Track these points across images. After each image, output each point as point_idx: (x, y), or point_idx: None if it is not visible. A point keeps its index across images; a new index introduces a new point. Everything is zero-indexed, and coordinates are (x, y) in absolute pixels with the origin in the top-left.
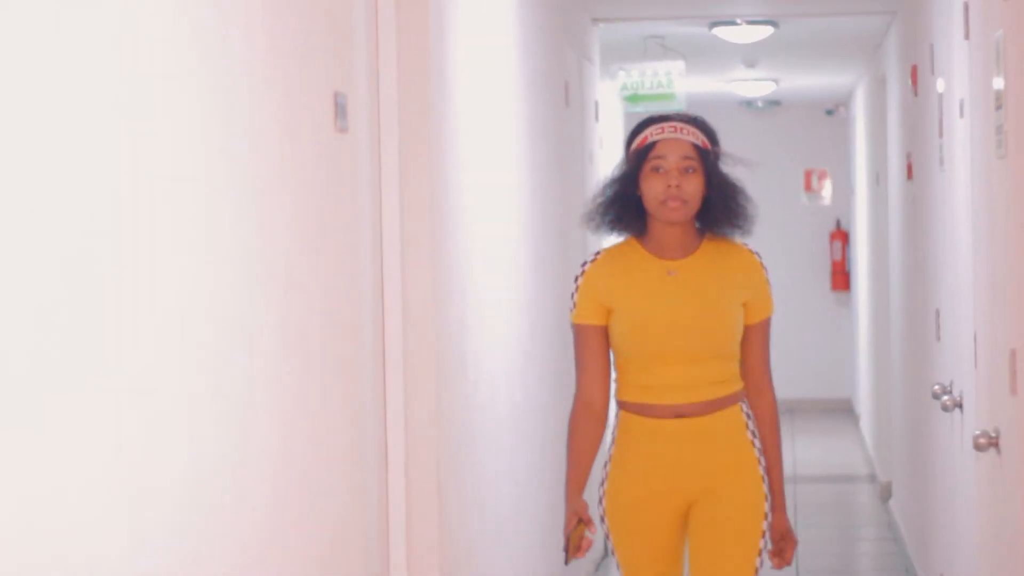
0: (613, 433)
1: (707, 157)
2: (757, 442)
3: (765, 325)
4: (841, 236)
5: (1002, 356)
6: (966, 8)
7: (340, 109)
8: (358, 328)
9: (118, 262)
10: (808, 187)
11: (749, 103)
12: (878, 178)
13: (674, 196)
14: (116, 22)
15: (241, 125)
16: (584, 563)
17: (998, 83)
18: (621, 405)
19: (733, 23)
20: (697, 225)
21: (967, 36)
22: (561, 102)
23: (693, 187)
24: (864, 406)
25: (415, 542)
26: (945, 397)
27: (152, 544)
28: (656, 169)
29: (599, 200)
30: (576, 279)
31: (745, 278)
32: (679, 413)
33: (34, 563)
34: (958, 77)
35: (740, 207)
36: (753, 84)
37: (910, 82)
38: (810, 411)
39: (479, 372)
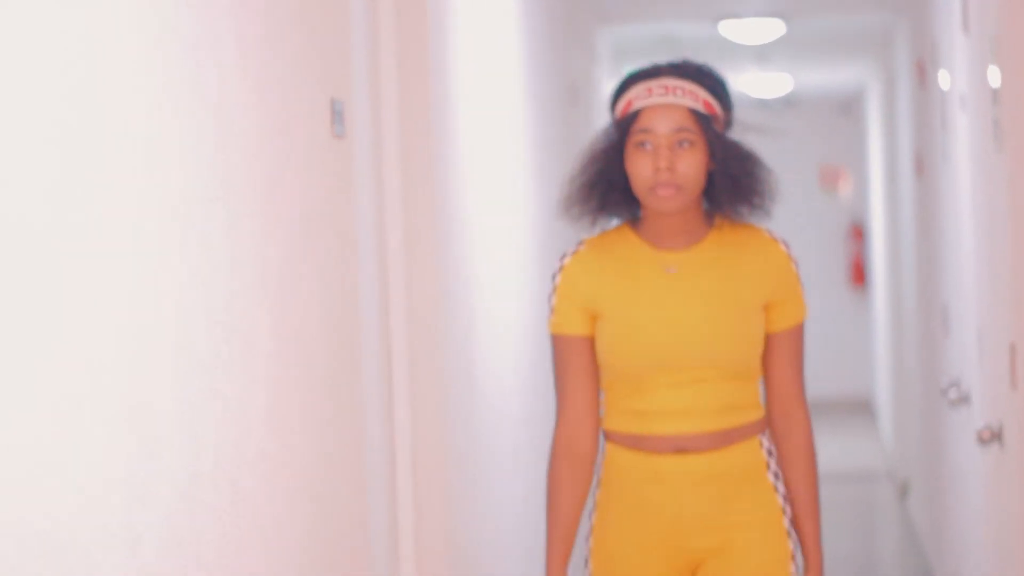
0: (598, 472)
1: (708, 125)
2: (781, 486)
3: (795, 334)
4: (857, 232)
5: (1003, 350)
6: (965, 3)
7: (337, 115)
8: (361, 332)
9: (115, 264)
10: (824, 185)
11: (764, 103)
12: (891, 173)
13: (664, 182)
14: (104, 31)
15: (235, 131)
16: None
17: (994, 77)
18: (608, 436)
19: (740, 17)
20: (705, 207)
21: (966, 31)
22: (568, 103)
23: (690, 166)
24: (882, 403)
25: (423, 546)
26: (953, 392)
27: (148, 545)
28: (641, 145)
29: (579, 182)
30: (554, 277)
31: (766, 273)
32: (680, 447)
33: (28, 560)
34: (959, 72)
35: (753, 180)
36: (767, 84)
37: (917, 77)
38: (829, 409)
39: (487, 371)
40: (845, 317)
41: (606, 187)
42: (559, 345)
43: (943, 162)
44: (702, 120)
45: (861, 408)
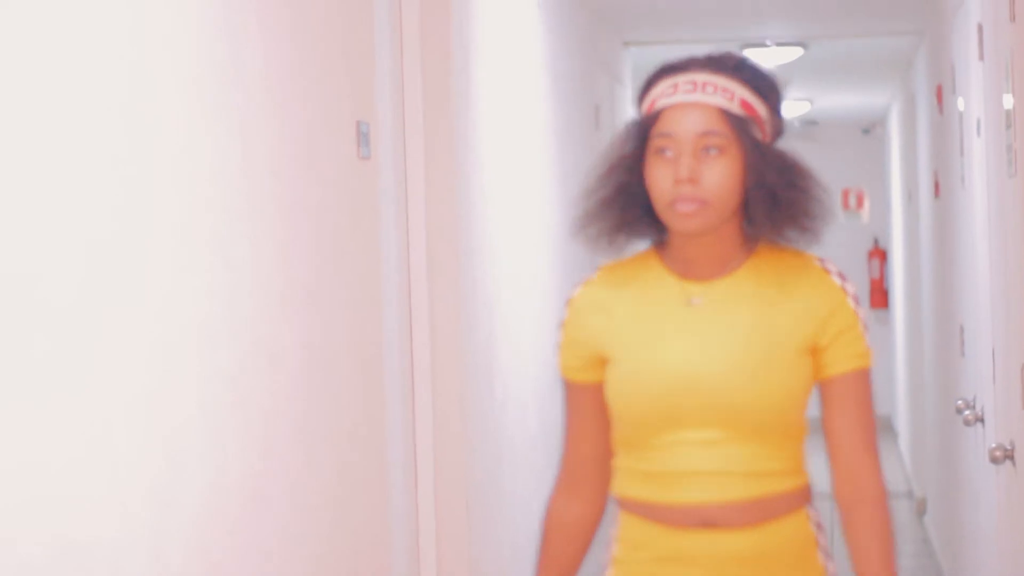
0: (611, 548)
1: (744, 129)
2: (832, 567)
3: (854, 382)
4: (879, 254)
5: (1016, 371)
6: (980, 30)
7: (363, 137)
8: (384, 348)
9: (143, 281)
10: (846, 206)
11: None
12: (910, 196)
13: (685, 196)
14: (135, 59)
15: (263, 152)
16: None
17: (1008, 102)
18: (619, 504)
19: (763, 45)
20: (746, 230)
21: (981, 57)
22: (591, 125)
23: (717, 177)
24: (902, 423)
25: (445, 561)
26: (967, 412)
27: (175, 555)
28: (661, 152)
29: (597, 196)
30: (563, 311)
31: (813, 309)
32: (708, 521)
33: (57, 568)
34: (975, 97)
35: (799, 196)
36: (788, 105)
37: (936, 101)
38: None
39: (507, 390)
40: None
41: (625, 202)
42: (565, 390)
43: (960, 185)
44: (736, 123)
45: (882, 428)
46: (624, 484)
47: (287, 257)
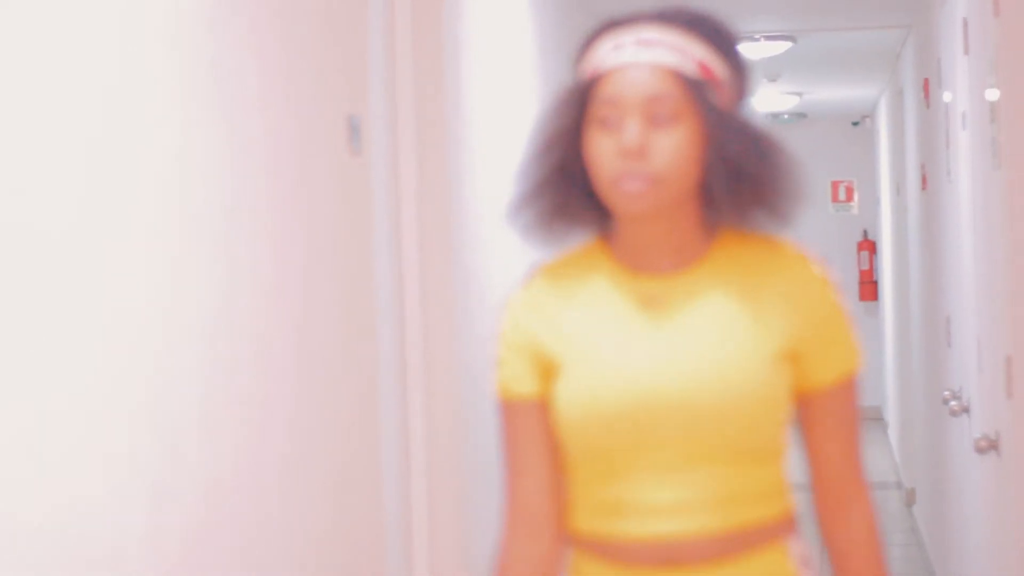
0: None
1: (702, 93)
2: None
3: (843, 391)
4: (868, 246)
5: (1000, 361)
6: (965, 24)
7: (354, 131)
8: (377, 343)
9: (139, 274)
10: (835, 198)
11: (775, 116)
12: (899, 188)
13: (632, 172)
14: (124, 53)
15: (255, 146)
16: None
17: (992, 96)
18: (571, 540)
19: (753, 39)
20: (705, 213)
21: (966, 51)
22: None
23: (671, 150)
24: (891, 414)
25: (437, 554)
26: (953, 402)
27: (169, 545)
28: (604, 122)
29: (531, 177)
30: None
31: (794, 305)
32: (671, 558)
33: (56, 559)
34: (961, 90)
35: (766, 171)
36: (777, 98)
37: (923, 95)
38: None
39: None
40: (855, 329)
41: (563, 183)
42: (506, 414)
43: (946, 178)
44: (693, 87)
45: (872, 419)
46: (578, 516)
47: (279, 251)
